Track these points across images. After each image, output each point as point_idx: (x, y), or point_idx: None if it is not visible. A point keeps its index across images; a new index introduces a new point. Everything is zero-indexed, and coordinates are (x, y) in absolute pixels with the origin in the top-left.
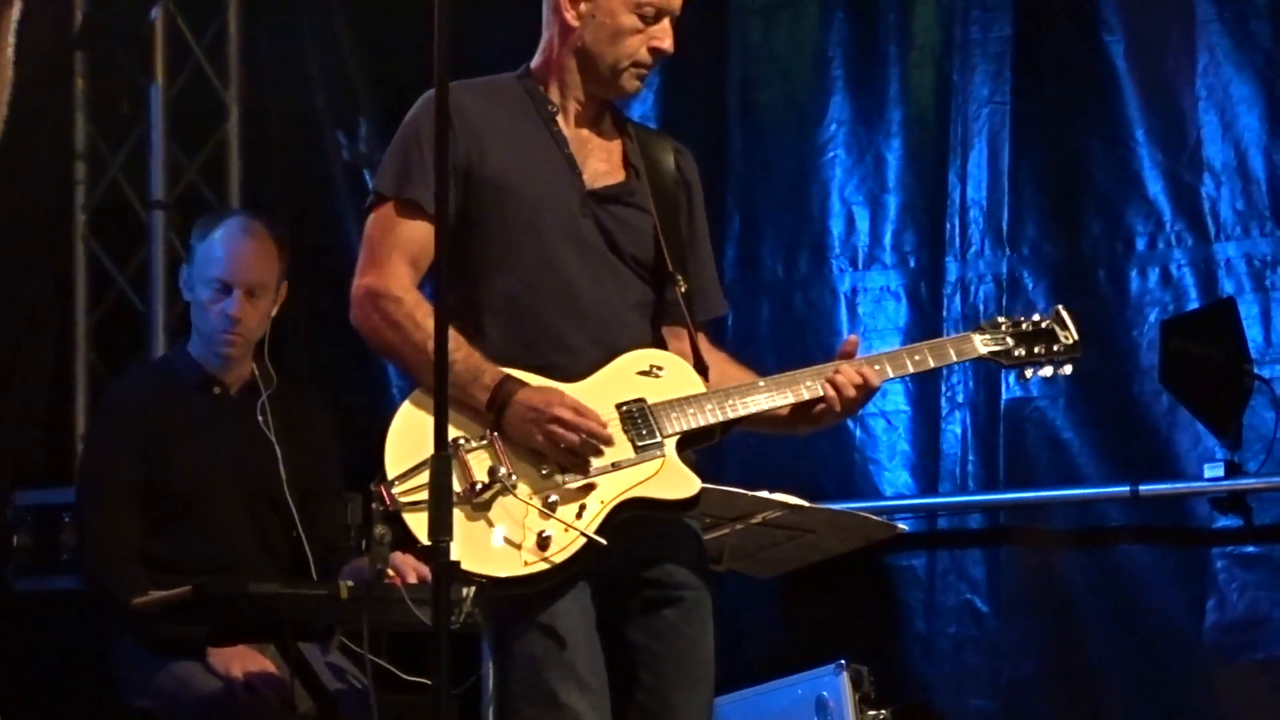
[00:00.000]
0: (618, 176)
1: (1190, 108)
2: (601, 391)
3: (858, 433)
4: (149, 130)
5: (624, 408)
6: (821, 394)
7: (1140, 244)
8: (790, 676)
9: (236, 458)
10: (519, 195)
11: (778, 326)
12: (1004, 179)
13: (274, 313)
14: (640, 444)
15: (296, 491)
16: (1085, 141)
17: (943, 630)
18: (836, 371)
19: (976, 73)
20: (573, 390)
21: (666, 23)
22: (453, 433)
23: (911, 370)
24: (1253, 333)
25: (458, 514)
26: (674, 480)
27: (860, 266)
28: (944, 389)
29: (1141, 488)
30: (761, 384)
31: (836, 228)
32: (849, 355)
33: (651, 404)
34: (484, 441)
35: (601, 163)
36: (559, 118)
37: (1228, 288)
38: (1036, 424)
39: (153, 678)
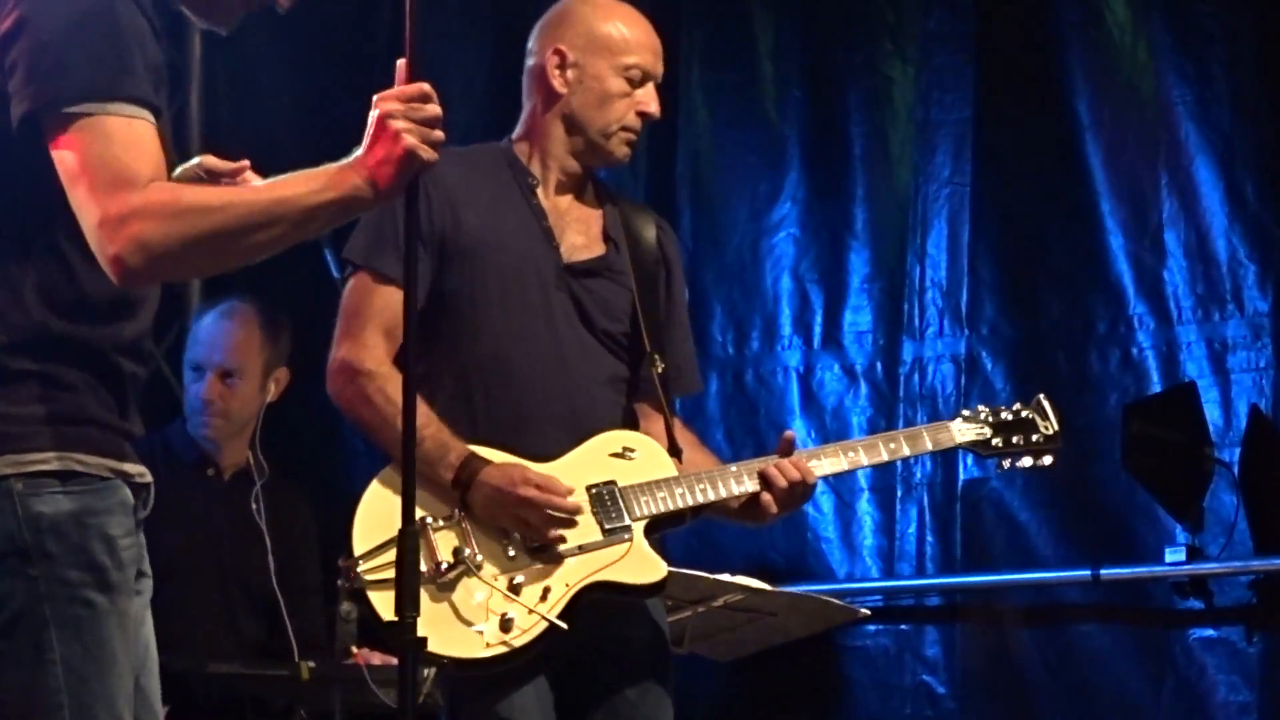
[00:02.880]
0: (596, 250)
1: (1152, 190)
2: (573, 472)
3: (810, 511)
4: None
5: (594, 490)
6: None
7: (1101, 326)
8: None
9: (219, 541)
10: (491, 266)
11: (727, 403)
12: (963, 259)
13: (268, 400)
14: (608, 527)
15: (283, 581)
16: (1045, 222)
17: (898, 711)
18: (777, 465)
19: (937, 153)
20: (545, 470)
21: (651, 87)
22: (421, 511)
23: (886, 459)
24: (1213, 416)
25: (422, 594)
26: (640, 565)
27: (814, 345)
28: (899, 468)
29: (1103, 571)
30: (733, 469)
31: (791, 305)
32: (786, 452)
33: (622, 486)
34: (451, 520)
35: (580, 235)
36: (539, 189)
37: (1189, 371)
38: (994, 505)
39: None
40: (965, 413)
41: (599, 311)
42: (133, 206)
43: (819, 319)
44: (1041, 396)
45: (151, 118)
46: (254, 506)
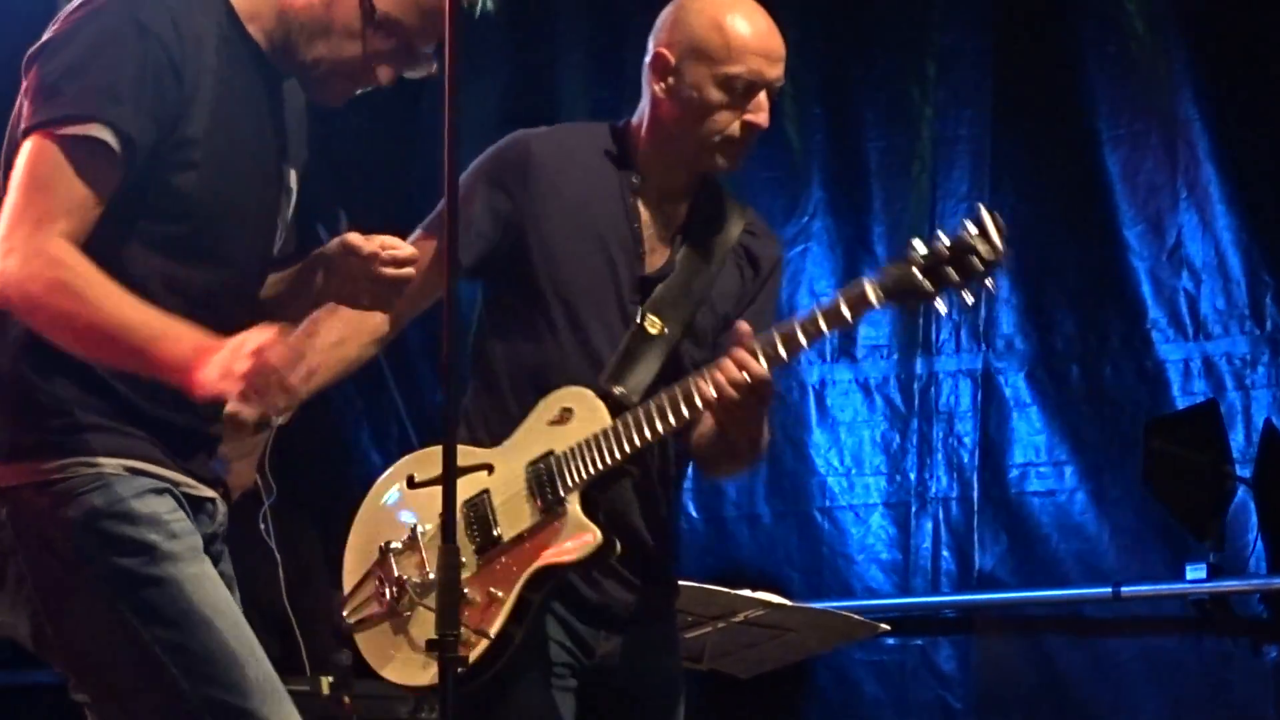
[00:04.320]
0: (667, 255)
1: (1169, 206)
2: (518, 451)
3: (825, 526)
4: None
5: (532, 466)
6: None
7: (1116, 340)
8: None
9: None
10: (566, 268)
11: None
12: None
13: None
14: (543, 505)
15: (294, 599)
16: (1062, 238)
17: None
18: (714, 368)
19: (954, 168)
20: (492, 455)
21: (762, 96)
22: (385, 534)
23: (806, 344)
24: (1233, 433)
25: (390, 624)
26: (575, 538)
27: (829, 359)
28: (914, 483)
29: (1124, 589)
30: (664, 400)
31: None
32: (740, 342)
33: (558, 454)
34: (409, 541)
35: (665, 241)
36: (639, 191)
37: (1205, 386)
38: (1010, 520)
39: None
40: (886, 264)
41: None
42: (26, 246)
43: (837, 336)
44: (981, 207)
45: (118, 145)
46: (262, 526)
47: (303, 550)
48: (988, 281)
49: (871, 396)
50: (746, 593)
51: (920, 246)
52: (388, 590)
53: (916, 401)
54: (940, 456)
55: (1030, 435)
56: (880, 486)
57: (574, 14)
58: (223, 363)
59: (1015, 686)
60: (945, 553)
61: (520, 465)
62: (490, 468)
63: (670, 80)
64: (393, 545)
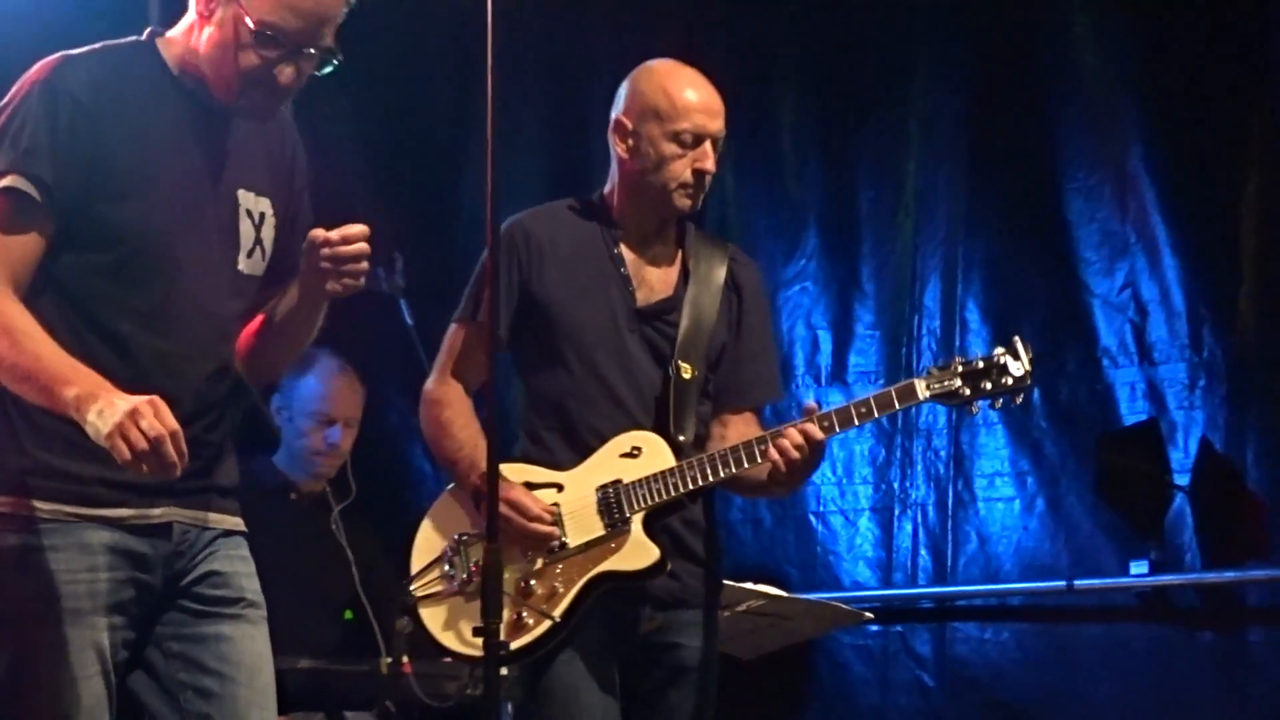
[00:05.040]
0: (668, 292)
1: (1121, 247)
2: (589, 476)
3: (819, 529)
4: None
5: (601, 490)
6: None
7: (1072, 365)
8: None
9: (300, 556)
10: (568, 313)
11: None
12: (955, 309)
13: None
14: (609, 522)
15: (367, 590)
16: (1026, 277)
17: (894, 701)
18: (779, 435)
19: (934, 217)
20: (565, 477)
21: (707, 145)
22: (458, 528)
23: (857, 422)
24: (1173, 447)
25: (454, 601)
26: (636, 552)
27: (823, 383)
28: (897, 490)
29: (1076, 582)
30: (726, 453)
31: (803, 349)
32: (808, 417)
33: (626, 483)
34: (479, 533)
35: (657, 280)
36: (621, 239)
37: (1148, 406)
38: (979, 523)
39: None
40: (933, 368)
41: (668, 347)
42: None
43: (828, 361)
44: (1016, 338)
45: (37, 193)
46: (334, 526)
47: (367, 547)
48: (1018, 398)
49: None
50: (749, 585)
51: (963, 360)
52: (457, 574)
53: (899, 420)
54: (919, 468)
55: (997, 449)
56: (867, 494)
57: (609, 76)
58: (116, 422)
59: (982, 667)
60: (923, 551)
61: (590, 487)
62: (560, 486)
63: (631, 141)
64: (464, 536)
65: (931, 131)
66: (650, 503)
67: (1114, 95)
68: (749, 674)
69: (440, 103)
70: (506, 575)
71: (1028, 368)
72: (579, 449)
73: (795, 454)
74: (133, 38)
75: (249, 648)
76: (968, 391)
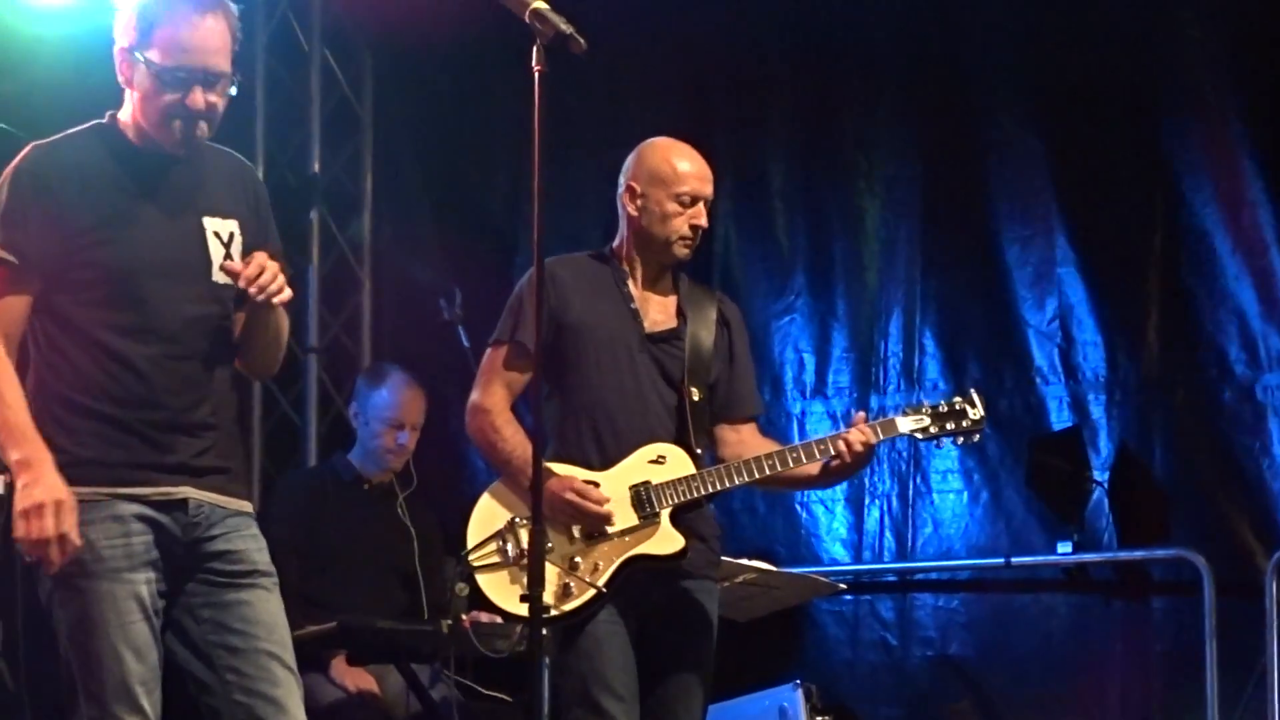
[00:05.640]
0: (671, 323)
1: (1049, 286)
2: (622, 476)
3: (804, 515)
4: (305, 296)
5: (634, 488)
6: (830, 455)
7: (1009, 382)
8: (757, 693)
9: (373, 535)
10: (591, 338)
11: None
12: (914, 336)
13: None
14: (643, 515)
15: (423, 563)
16: (972, 310)
17: (863, 657)
18: (847, 435)
19: (895, 261)
20: (601, 476)
21: (700, 206)
22: (511, 512)
23: (876, 440)
24: (1093, 449)
25: (509, 571)
26: (665, 540)
27: (808, 396)
28: (867, 484)
29: (1013, 559)
30: (738, 465)
31: (792, 369)
32: (857, 424)
33: (654, 484)
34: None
35: (659, 313)
36: (628, 281)
37: (1072, 416)
38: (933, 510)
39: None
40: (907, 408)
41: (672, 366)
42: None
43: (811, 378)
44: (973, 389)
45: (16, 259)
46: (399, 510)
47: (426, 527)
48: (975, 437)
49: (838, 422)
50: (745, 561)
51: (929, 405)
52: (510, 549)
53: None
54: (885, 465)
55: (948, 451)
56: (842, 487)
57: (653, 128)
58: (27, 506)
59: (935, 629)
60: (887, 534)
61: (624, 485)
62: (597, 485)
63: (639, 201)
64: (517, 520)
65: (893, 193)
66: (675, 501)
67: (1037, 164)
68: (744, 634)
69: (497, 164)
70: (557, 552)
71: (983, 413)
72: (602, 447)
73: (859, 448)
74: (94, 121)
75: (265, 609)
76: (934, 430)
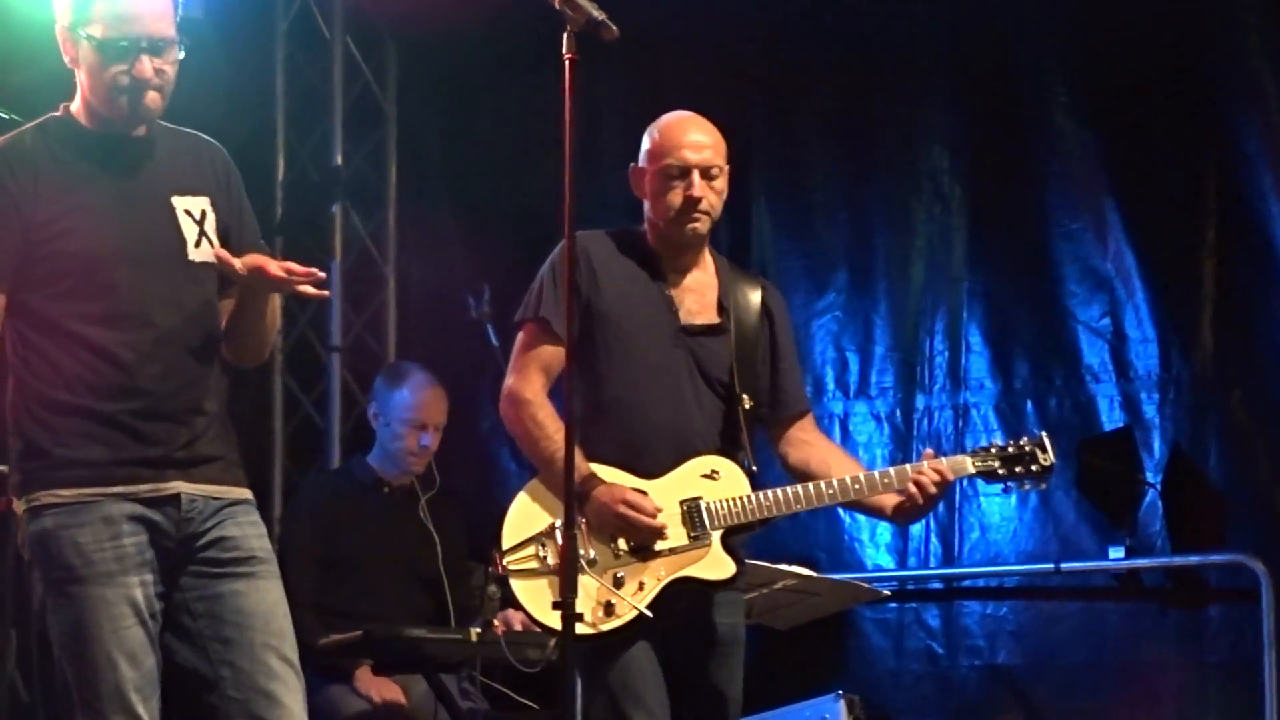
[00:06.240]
0: (709, 316)
1: (1100, 283)
2: (671, 489)
3: (846, 519)
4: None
5: (685, 504)
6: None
7: (1059, 382)
8: (799, 703)
9: (395, 539)
10: (622, 327)
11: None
12: (960, 334)
13: None
14: (693, 534)
15: (448, 568)
16: (1021, 308)
17: (908, 667)
18: (919, 473)
19: (941, 257)
20: (650, 486)
21: (694, 175)
22: (551, 517)
23: (951, 479)
24: (1145, 451)
25: (548, 580)
26: (716, 564)
27: (851, 397)
28: None
29: (1063, 565)
30: (799, 491)
31: (834, 368)
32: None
33: (706, 501)
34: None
35: (695, 303)
36: (661, 264)
37: (1124, 416)
38: (981, 515)
39: (315, 698)
40: (978, 448)
41: (710, 364)
42: None
43: (855, 378)
44: (1044, 435)
45: None
46: (422, 514)
47: (450, 530)
48: (1043, 484)
49: (882, 423)
50: (784, 566)
51: (998, 445)
52: (549, 556)
53: (914, 427)
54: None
55: None
56: None
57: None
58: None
59: (982, 637)
60: (933, 538)
61: (674, 499)
62: (644, 494)
63: (641, 182)
64: (558, 526)
65: (939, 187)
66: (729, 523)
67: (1089, 156)
68: (784, 642)
69: (526, 156)
70: (600, 565)
71: (1053, 460)
72: (630, 448)
73: (933, 489)
74: (48, 114)
75: (261, 598)
76: (1003, 472)
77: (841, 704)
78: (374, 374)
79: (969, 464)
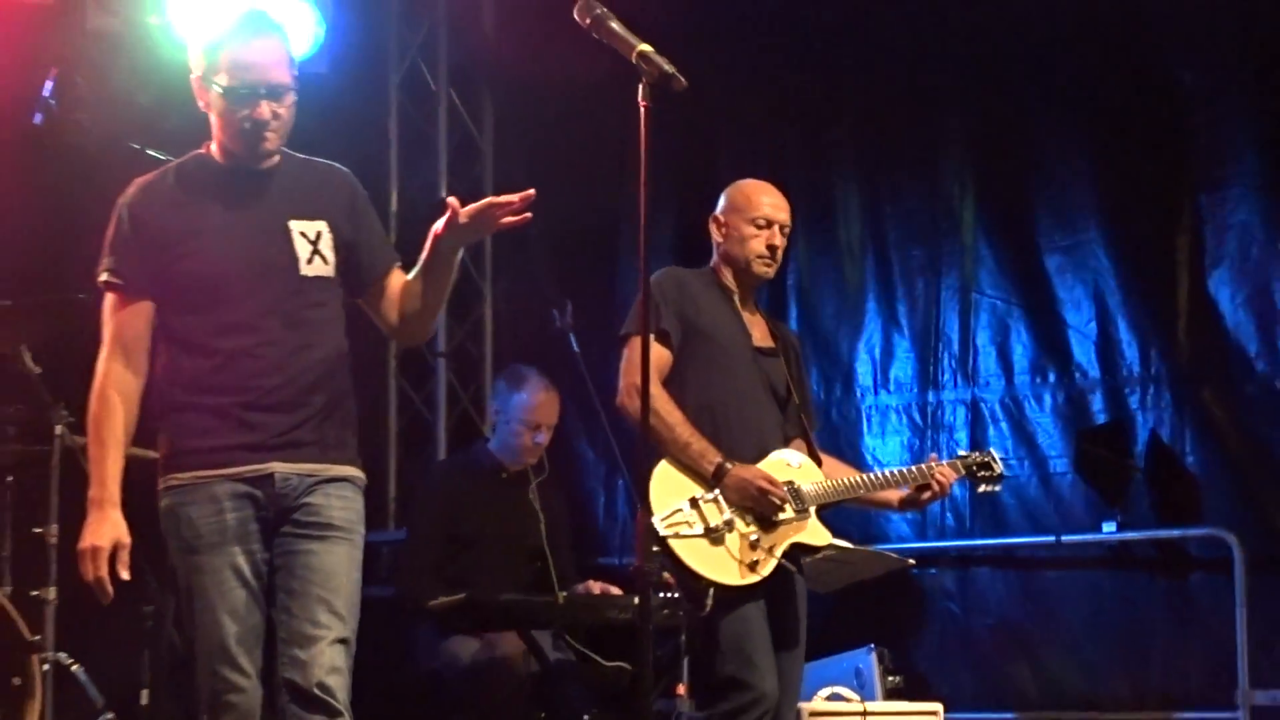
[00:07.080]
0: (769, 342)
1: (1089, 294)
2: (771, 473)
3: None
4: None
5: (787, 486)
6: (916, 483)
7: (1054, 378)
8: (836, 655)
9: (508, 518)
10: (716, 343)
11: (821, 432)
12: (969, 339)
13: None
14: (798, 509)
15: (551, 542)
16: (1021, 315)
17: (931, 625)
18: (941, 471)
19: (950, 274)
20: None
21: (775, 229)
22: (692, 490)
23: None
24: (1133, 439)
25: (703, 543)
26: (816, 533)
27: (875, 392)
28: None
29: (1063, 538)
30: (862, 478)
31: (861, 368)
32: (933, 463)
33: (798, 485)
34: (711, 497)
35: (759, 331)
36: (734, 297)
37: (1113, 409)
38: (989, 495)
39: (438, 648)
40: (961, 453)
41: (775, 379)
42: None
43: (878, 377)
44: (991, 449)
45: (120, 283)
46: (531, 496)
47: (554, 511)
48: (997, 487)
49: (901, 415)
50: None
51: (966, 455)
52: (696, 523)
53: (930, 418)
54: (944, 455)
55: (1001, 440)
56: None
57: (732, 166)
58: (84, 547)
59: (993, 600)
60: (949, 515)
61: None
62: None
63: (724, 230)
64: (700, 498)
65: (948, 211)
66: (821, 502)
67: (1080, 185)
68: (825, 604)
69: (600, 188)
70: (737, 530)
71: (1002, 470)
72: (721, 436)
73: (948, 483)
74: (193, 152)
75: (328, 560)
76: (980, 475)
77: (873, 655)
78: (474, 376)
79: (960, 467)
